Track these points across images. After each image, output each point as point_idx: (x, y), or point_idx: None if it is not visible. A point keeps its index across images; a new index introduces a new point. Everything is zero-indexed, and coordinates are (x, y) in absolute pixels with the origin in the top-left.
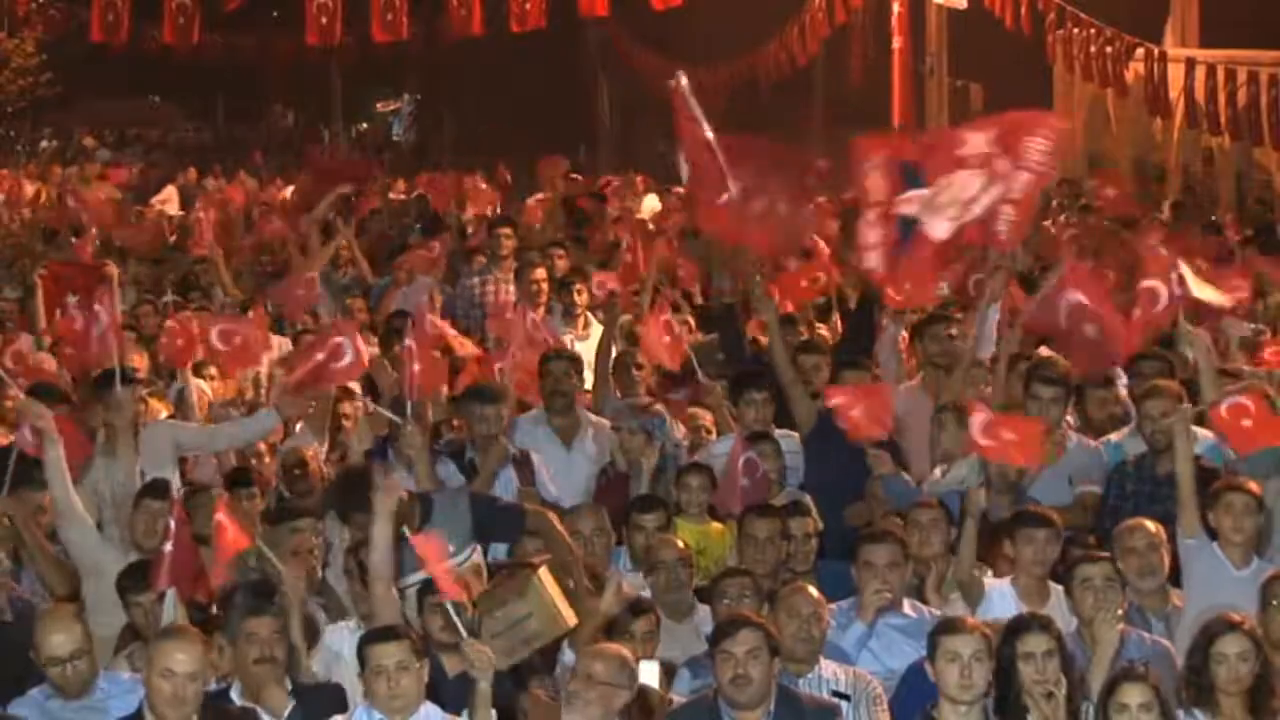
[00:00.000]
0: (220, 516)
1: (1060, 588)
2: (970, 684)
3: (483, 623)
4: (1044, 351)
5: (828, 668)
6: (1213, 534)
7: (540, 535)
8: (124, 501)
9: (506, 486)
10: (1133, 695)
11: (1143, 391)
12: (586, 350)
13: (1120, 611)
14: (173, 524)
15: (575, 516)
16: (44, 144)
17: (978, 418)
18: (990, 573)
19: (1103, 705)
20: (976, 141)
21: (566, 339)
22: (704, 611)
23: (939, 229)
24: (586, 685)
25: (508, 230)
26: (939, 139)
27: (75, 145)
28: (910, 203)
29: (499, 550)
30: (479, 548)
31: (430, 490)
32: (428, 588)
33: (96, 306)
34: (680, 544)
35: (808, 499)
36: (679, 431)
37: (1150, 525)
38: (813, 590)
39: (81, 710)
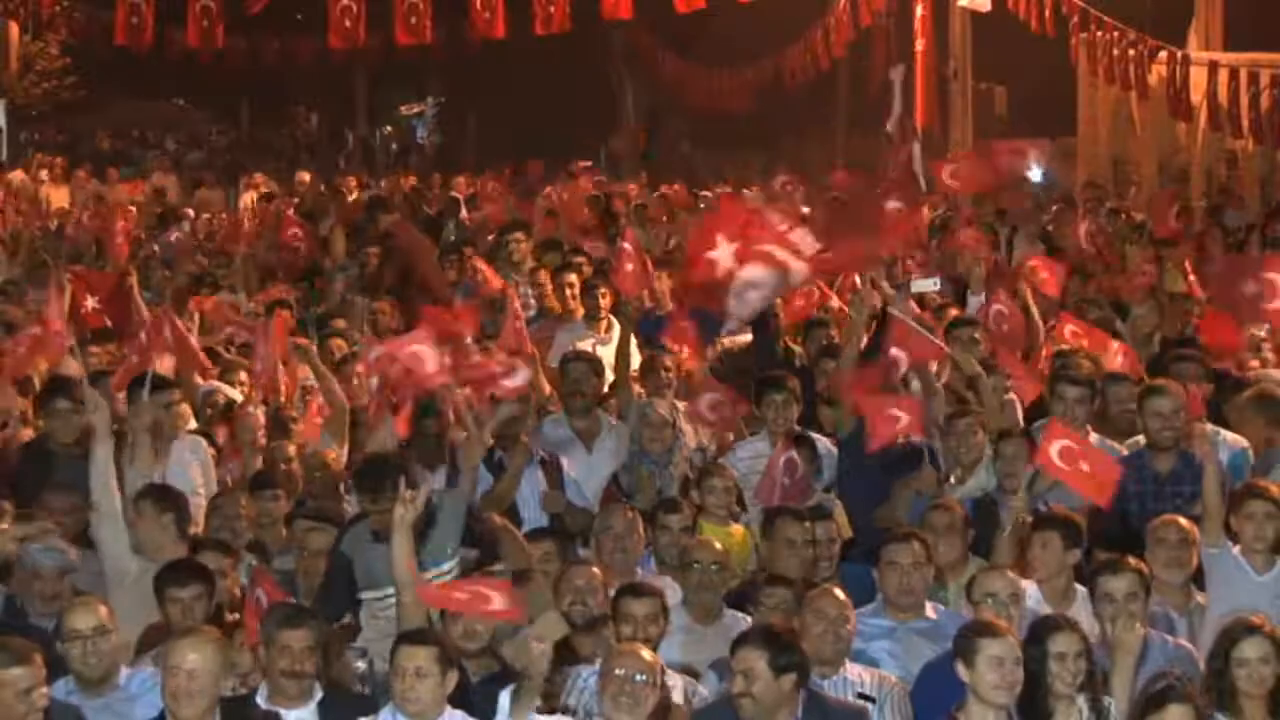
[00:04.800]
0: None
1: (1086, 590)
2: (1011, 686)
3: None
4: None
5: (853, 670)
6: (1234, 538)
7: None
8: None
9: (532, 488)
10: (1180, 717)
11: (1146, 390)
12: (608, 354)
13: (1140, 622)
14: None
15: (606, 515)
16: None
17: (1057, 441)
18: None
19: (1142, 714)
20: (723, 254)
21: (589, 342)
22: (730, 615)
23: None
24: (630, 685)
25: (520, 235)
26: (698, 274)
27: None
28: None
29: None
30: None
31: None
32: None
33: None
34: (717, 547)
35: (833, 502)
36: (703, 436)
37: (1183, 521)
38: (839, 593)
39: (103, 710)
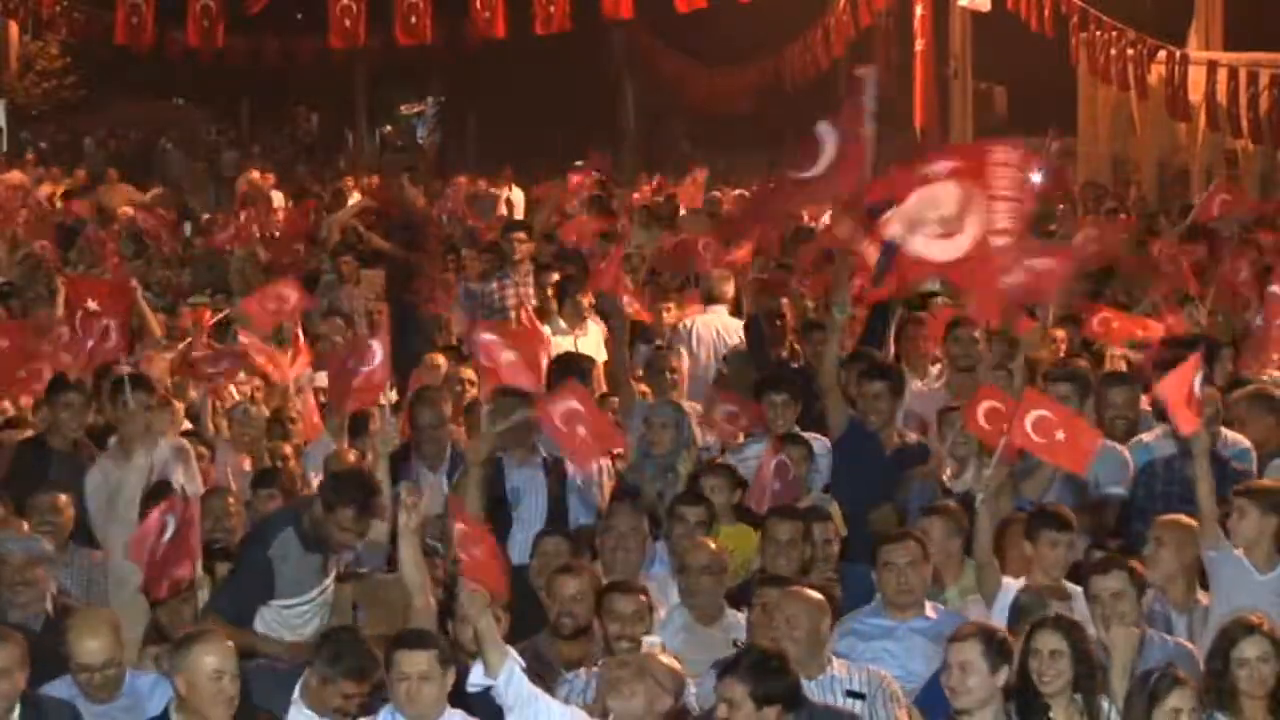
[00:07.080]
0: None
1: (1080, 588)
2: (963, 690)
3: None
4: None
5: (840, 667)
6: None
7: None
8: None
9: (535, 488)
10: (1184, 700)
11: None
12: (584, 348)
13: (1136, 626)
14: (170, 521)
15: (610, 515)
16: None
17: (1033, 411)
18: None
19: (1146, 710)
20: (938, 167)
21: (569, 339)
22: (732, 615)
23: (921, 245)
24: (638, 677)
25: (522, 234)
26: (901, 177)
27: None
28: (890, 224)
29: None
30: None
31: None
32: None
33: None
34: (712, 548)
35: (830, 503)
36: (709, 435)
37: (1182, 520)
38: (809, 593)
39: (104, 716)
